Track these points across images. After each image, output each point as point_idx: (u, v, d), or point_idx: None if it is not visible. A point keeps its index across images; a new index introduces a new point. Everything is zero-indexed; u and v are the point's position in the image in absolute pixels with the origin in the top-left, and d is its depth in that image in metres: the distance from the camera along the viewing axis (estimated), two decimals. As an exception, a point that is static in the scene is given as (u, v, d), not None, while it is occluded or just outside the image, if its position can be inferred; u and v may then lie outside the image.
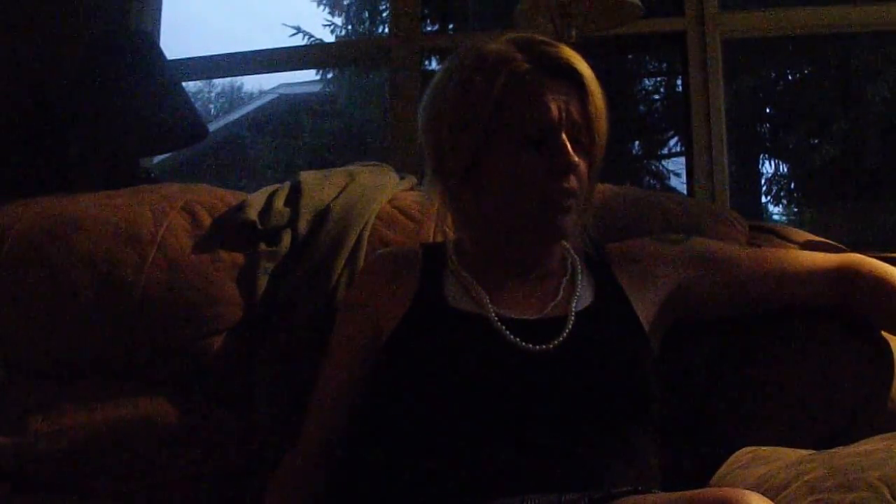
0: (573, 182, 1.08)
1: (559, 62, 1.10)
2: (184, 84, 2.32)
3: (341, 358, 1.17)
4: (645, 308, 1.15)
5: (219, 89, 10.67)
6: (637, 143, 6.04)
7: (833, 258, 1.22)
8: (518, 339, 1.06)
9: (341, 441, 1.15)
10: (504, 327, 1.07)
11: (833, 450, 0.93)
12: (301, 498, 1.13)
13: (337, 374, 1.17)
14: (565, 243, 1.20)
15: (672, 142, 5.92)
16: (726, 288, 1.19)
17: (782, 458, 0.97)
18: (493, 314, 1.08)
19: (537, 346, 1.05)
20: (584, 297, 1.14)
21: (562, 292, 1.13)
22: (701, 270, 1.19)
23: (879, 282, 1.16)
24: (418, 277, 1.16)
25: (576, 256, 1.19)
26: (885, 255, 1.70)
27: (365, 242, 1.38)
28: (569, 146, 1.07)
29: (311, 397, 1.18)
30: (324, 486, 1.14)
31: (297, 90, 8.21)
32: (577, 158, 1.08)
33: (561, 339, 1.06)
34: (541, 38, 1.13)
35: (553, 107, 1.08)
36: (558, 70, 1.10)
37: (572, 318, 1.09)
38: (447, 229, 1.22)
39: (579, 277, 1.16)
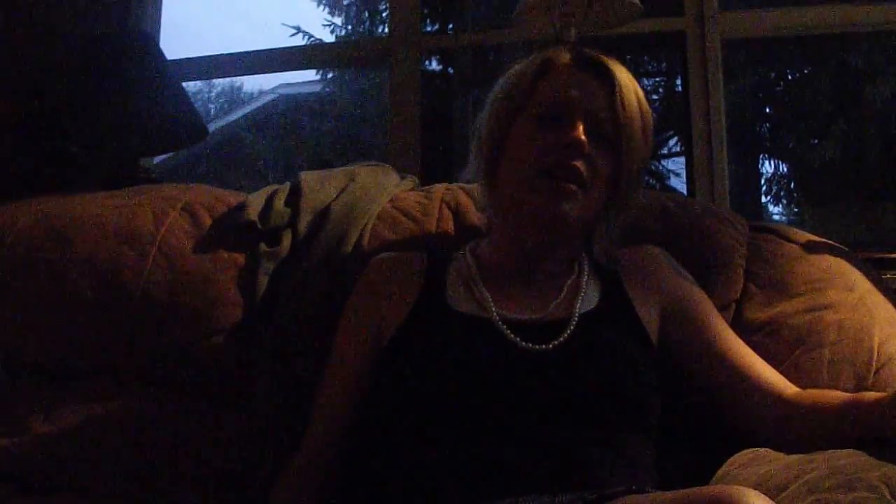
0: (580, 165, 1.10)
1: (595, 61, 1.16)
2: (184, 84, 2.32)
3: (344, 361, 1.17)
4: (649, 314, 1.15)
5: (219, 89, 10.68)
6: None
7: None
8: (519, 339, 1.06)
9: (346, 443, 1.15)
10: (505, 328, 1.07)
11: (832, 450, 0.93)
12: (305, 501, 1.13)
13: (340, 377, 1.17)
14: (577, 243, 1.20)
15: (672, 142, 5.92)
16: (689, 345, 1.15)
17: (782, 458, 0.97)
18: (496, 315, 1.09)
19: (538, 346, 1.05)
20: (589, 299, 1.14)
21: (565, 291, 1.14)
22: (684, 316, 1.16)
23: None
24: (422, 280, 1.17)
25: (584, 258, 1.19)
26: (885, 255, 1.70)
27: (365, 243, 1.37)
28: (580, 128, 1.10)
29: (314, 400, 1.18)
30: (329, 487, 1.13)
31: (297, 90, 8.22)
32: (585, 138, 1.09)
33: (562, 339, 1.06)
34: (596, 51, 1.19)
35: (573, 90, 1.13)
36: (593, 67, 1.15)
37: (575, 319, 1.09)
38: (448, 229, 1.23)
39: (585, 279, 1.16)
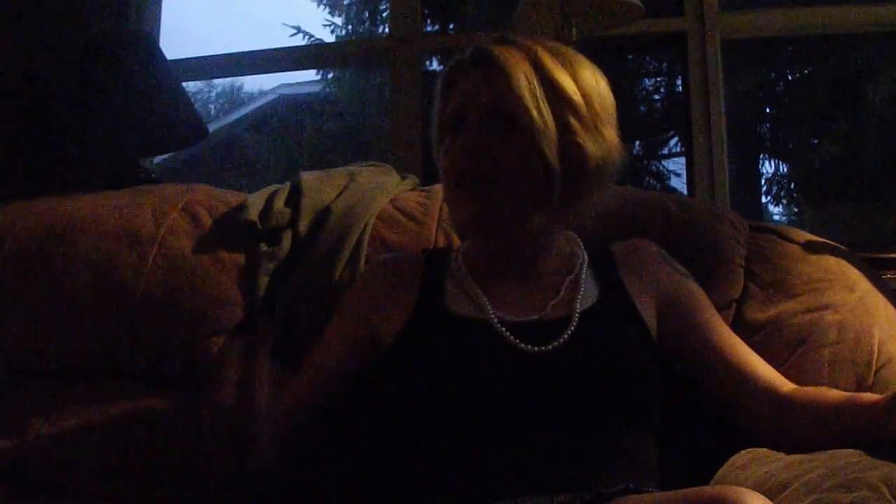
0: (480, 163, 1.07)
1: (478, 52, 1.12)
2: (184, 84, 2.32)
3: (327, 357, 1.19)
4: (647, 307, 1.15)
5: (219, 89, 10.68)
6: (637, 143, 6.04)
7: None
8: (518, 342, 1.05)
9: (315, 433, 1.18)
10: (505, 330, 1.07)
11: (832, 450, 0.93)
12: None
13: (319, 370, 1.19)
14: (576, 240, 1.20)
15: (672, 142, 5.92)
16: (685, 340, 1.15)
17: (782, 458, 0.98)
18: (494, 317, 1.08)
19: (538, 348, 1.05)
20: (589, 296, 1.13)
21: (563, 291, 1.13)
22: (680, 311, 1.15)
23: None
24: (420, 284, 1.16)
25: (585, 255, 1.19)
26: (885, 255, 1.70)
27: (366, 243, 1.38)
28: (472, 128, 1.09)
29: (294, 376, 1.21)
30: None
31: (297, 90, 8.22)
32: (474, 136, 1.08)
33: (562, 339, 1.06)
34: (497, 34, 1.15)
35: (459, 93, 1.12)
36: (477, 60, 1.12)
37: (576, 318, 1.09)
38: (449, 229, 1.23)
39: (584, 275, 1.15)
